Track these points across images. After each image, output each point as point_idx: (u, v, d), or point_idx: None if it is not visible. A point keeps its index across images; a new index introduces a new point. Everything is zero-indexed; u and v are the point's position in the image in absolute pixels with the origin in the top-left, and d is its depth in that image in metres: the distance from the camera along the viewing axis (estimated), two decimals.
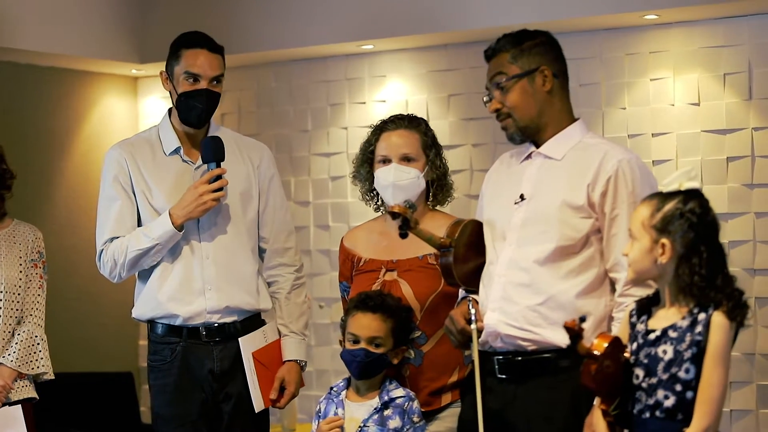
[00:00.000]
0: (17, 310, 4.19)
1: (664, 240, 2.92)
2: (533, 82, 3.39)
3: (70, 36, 6.12)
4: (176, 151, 4.04)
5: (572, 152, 3.40)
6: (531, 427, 3.33)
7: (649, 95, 5.53)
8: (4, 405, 4.13)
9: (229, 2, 6.25)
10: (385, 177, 3.82)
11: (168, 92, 4.06)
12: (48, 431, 5.08)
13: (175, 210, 3.91)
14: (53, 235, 6.18)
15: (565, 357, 3.25)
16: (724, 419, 5.05)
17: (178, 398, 3.99)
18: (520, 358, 3.34)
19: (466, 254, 3.46)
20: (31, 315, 4.23)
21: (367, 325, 3.67)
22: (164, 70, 4.02)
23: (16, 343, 4.16)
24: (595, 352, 2.91)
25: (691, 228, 2.90)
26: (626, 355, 2.97)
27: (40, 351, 4.22)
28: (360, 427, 3.64)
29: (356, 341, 3.68)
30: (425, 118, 4.03)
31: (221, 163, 3.94)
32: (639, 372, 2.95)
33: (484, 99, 3.46)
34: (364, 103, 6.24)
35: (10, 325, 4.17)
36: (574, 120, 3.46)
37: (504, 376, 3.37)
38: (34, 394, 4.24)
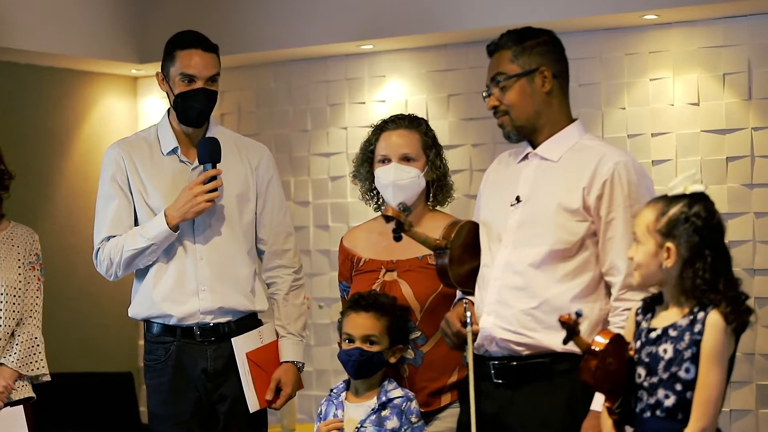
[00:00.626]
0: (17, 311, 4.19)
1: (669, 244, 2.90)
2: (532, 82, 3.37)
3: (70, 36, 6.12)
4: (174, 151, 4.04)
5: (569, 154, 3.37)
6: (528, 431, 3.31)
7: (649, 95, 5.52)
8: (5, 405, 4.14)
9: (228, 2, 6.25)
10: (385, 176, 3.82)
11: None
12: (48, 431, 5.07)
13: (170, 210, 3.91)
14: (53, 235, 6.19)
15: (561, 361, 3.24)
16: (724, 419, 5.06)
17: (172, 398, 3.99)
18: (515, 363, 3.31)
19: (462, 256, 3.44)
20: (30, 317, 4.23)
21: (360, 323, 3.67)
22: (160, 71, 4.03)
23: (17, 345, 4.16)
24: (595, 349, 2.90)
25: (695, 232, 2.88)
26: (631, 353, 2.96)
27: (39, 353, 4.22)
28: (357, 427, 3.64)
29: (351, 341, 3.68)
30: (425, 118, 4.02)
31: (217, 164, 3.94)
32: (641, 371, 2.94)
33: (483, 94, 3.44)
34: (364, 103, 6.23)
35: (9, 326, 4.17)
36: (572, 121, 3.43)
37: (500, 381, 3.35)
38: (32, 394, 4.25)
